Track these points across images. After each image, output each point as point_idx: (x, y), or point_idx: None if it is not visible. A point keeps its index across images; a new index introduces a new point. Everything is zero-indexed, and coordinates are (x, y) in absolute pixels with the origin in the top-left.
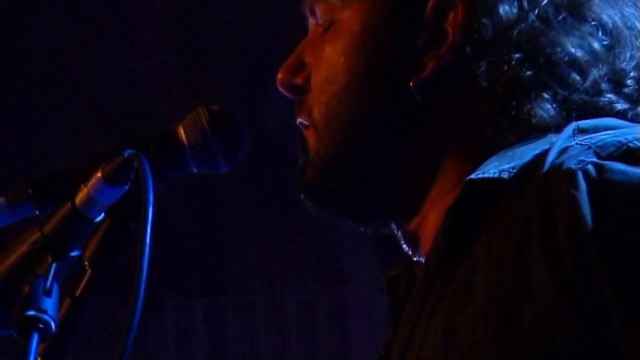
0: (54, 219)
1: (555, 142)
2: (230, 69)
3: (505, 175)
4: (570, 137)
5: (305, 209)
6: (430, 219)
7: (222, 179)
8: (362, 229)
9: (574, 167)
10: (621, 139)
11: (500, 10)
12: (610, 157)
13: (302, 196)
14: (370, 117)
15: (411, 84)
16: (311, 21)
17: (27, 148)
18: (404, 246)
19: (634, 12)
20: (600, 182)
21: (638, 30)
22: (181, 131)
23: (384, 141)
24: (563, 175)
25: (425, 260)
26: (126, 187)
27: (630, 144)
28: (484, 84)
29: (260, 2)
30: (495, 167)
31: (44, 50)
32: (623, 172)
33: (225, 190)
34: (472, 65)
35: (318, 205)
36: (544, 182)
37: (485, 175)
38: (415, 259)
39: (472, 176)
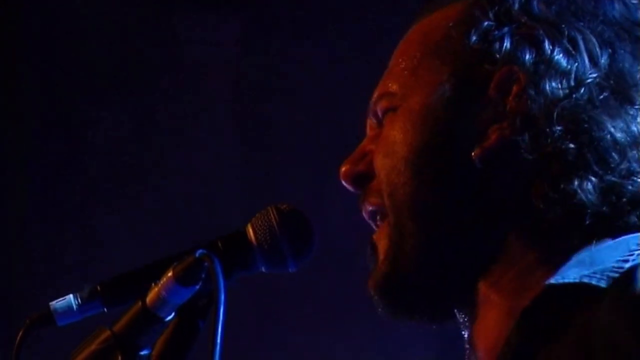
0: (124, 317)
1: None
2: (298, 166)
3: (586, 280)
4: None
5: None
6: (491, 308)
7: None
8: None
9: None
10: None
11: (547, 86)
12: None
13: (374, 298)
14: (431, 188)
15: (474, 153)
16: (371, 122)
17: (87, 238)
18: (462, 328)
19: None
20: None
21: None
22: (250, 231)
23: (448, 215)
24: None
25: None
26: (197, 287)
27: None
28: (529, 156)
29: (332, 99)
30: (576, 273)
31: (104, 141)
32: None
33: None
34: (522, 136)
35: (390, 306)
36: None
37: (566, 280)
38: (466, 345)
39: (552, 281)
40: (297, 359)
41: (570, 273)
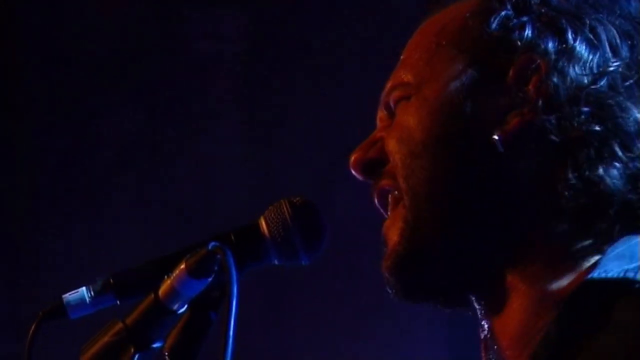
0: (137, 310)
1: None
2: (304, 160)
3: (630, 275)
4: None
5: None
6: (518, 296)
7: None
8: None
9: None
10: None
11: (571, 72)
12: None
13: (387, 277)
14: (449, 172)
15: (495, 136)
16: (382, 114)
17: (98, 236)
18: (481, 320)
19: None
20: None
21: None
22: (263, 223)
23: (467, 200)
24: None
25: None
26: (209, 280)
27: None
28: (555, 138)
29: (335, 96)
30: (619, 267)
31: (113, 138)
32: None
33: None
34: (546, 121)
35: (403, 285)
36: None
37: (609, 275)
38: (484, 334)
39: (595, 275)
40: (308, 350)
41: (612, 267)
